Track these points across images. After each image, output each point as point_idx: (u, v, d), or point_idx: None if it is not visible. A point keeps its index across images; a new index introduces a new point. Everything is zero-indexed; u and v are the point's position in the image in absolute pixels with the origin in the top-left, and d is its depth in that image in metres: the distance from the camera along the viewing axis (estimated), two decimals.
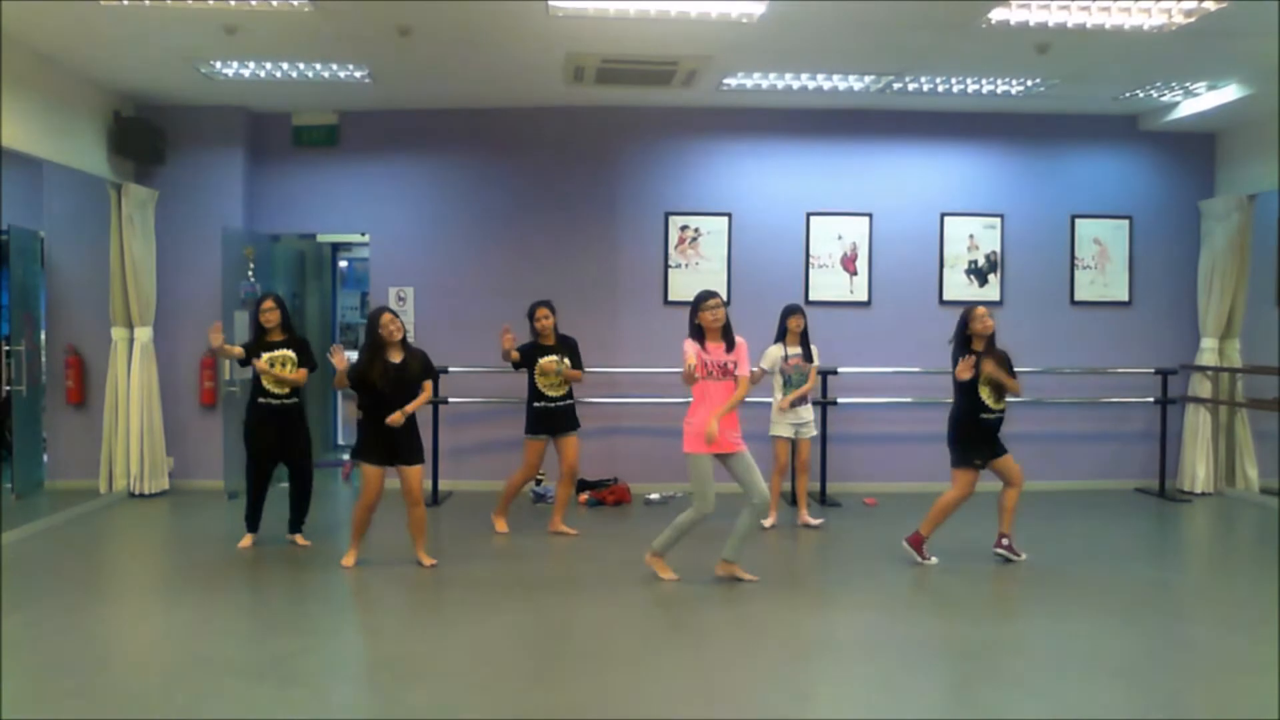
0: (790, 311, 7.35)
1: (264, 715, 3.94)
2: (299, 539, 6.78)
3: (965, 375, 6.05)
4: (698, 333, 5.70)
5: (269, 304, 6.66)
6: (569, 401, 7.07)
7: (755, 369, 6.77)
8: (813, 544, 7.02)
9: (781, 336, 7.34)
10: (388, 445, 6.04)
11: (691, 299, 5.82)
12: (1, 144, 6.25)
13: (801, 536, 7.18)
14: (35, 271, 8.39)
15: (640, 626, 5.18)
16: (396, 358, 6.05)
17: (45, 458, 8.58)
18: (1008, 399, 6.24)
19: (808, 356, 7.33)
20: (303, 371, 6.63)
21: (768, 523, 7.26)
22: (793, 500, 7.78)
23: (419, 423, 6.26)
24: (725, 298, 8.48)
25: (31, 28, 6.54)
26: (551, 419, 7.01)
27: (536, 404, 7.01)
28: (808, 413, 7.41)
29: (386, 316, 6.05)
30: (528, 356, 6.99)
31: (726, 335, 5.72)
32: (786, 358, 7.27)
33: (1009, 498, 6.38)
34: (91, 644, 4.86)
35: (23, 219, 8.19)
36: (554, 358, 6.97)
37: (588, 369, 8.25)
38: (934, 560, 6.28)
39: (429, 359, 6.27)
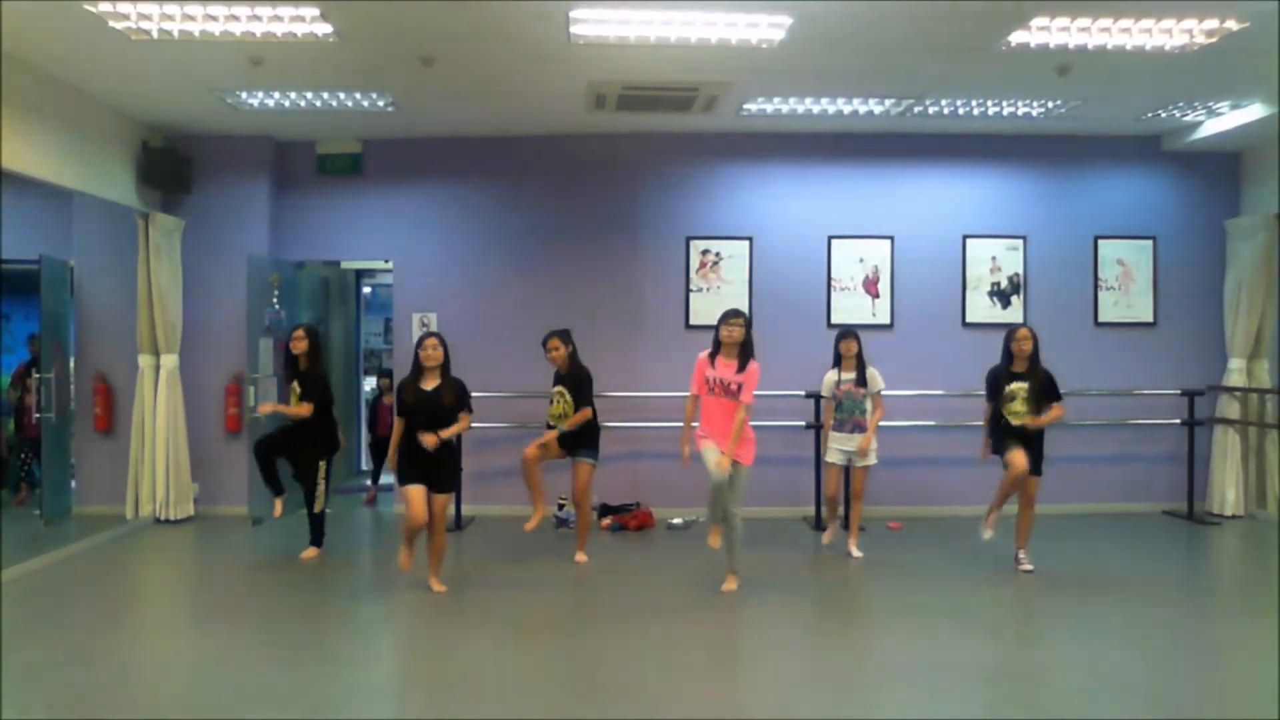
0: (840, 336, 7.23)
1: None
2: (308, 553, 7.17)
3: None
4: (715, 346, 6.03)
5: (299, 333, 7.09)
6: (575, 430, 6.93)
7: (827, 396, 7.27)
8: (842, 569, 6.97)
9: (837, 362, 7.22)
10: (423, 469, 6.06)
11: (715, 322, 6.13)
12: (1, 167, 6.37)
13: (840, 565, 7.12)
14: (65, 300, 8.50)
15: (666, 651, 5.15)
16: (431, 384, 6.09)
17: (73, 484, 8.67)
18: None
19: (861, 381, 7.10)
20: (305, 406, 6.97)
21: (826, 538, 7.38)
22: (845, 525, 7.66)
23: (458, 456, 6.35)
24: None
25: (63, 61, 6.68)
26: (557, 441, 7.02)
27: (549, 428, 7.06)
28: (865, 441, 7.12)
29: (429, 342, 6.12)
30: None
31: (743, 354, 5.97)
32: (839, 383, 7.15)
33: (1022, 518, 6.73)
34: (118, 670, 4.89)
35: (53, 248, 8.32)
36: (558, 389, 6.96)
37: (610, 393, 8.33)
38: (1028, 567, 6.67)
39: (466, 389, 6.24)
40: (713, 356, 6.05)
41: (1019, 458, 6.49)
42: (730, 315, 6.05)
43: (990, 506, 6.80)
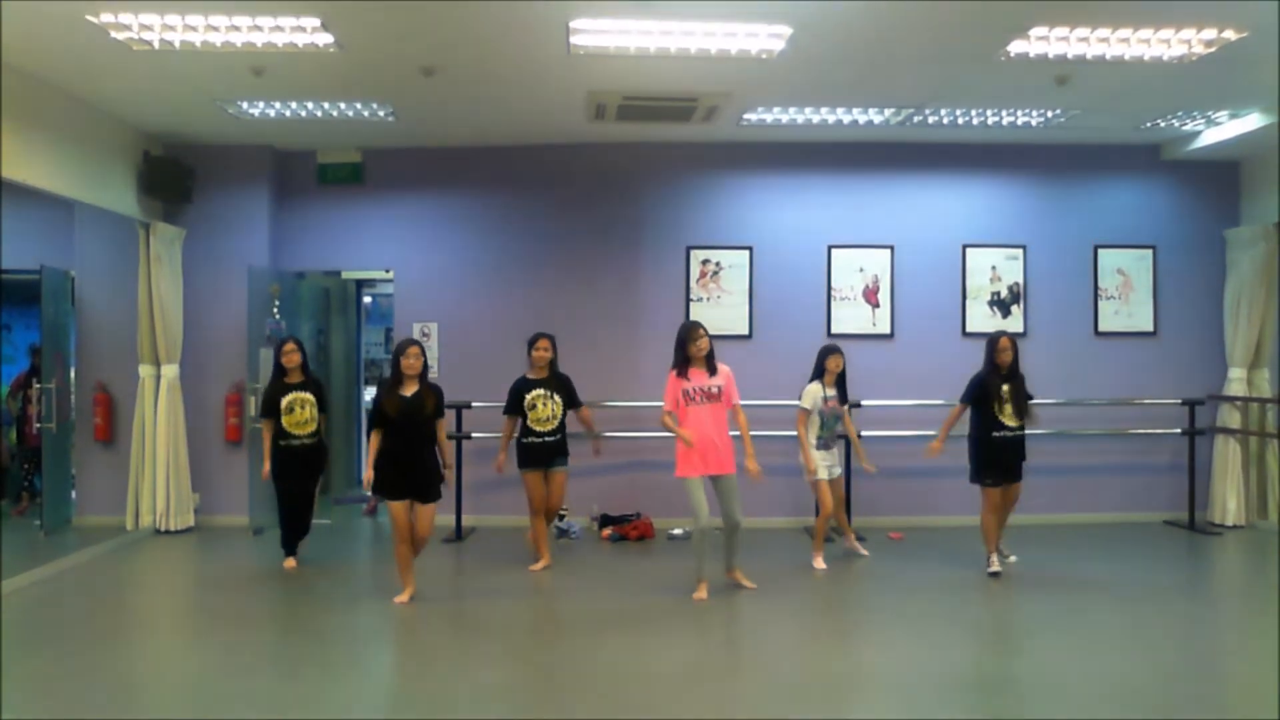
0: (829, 351, 7.24)
1: None
2: (289, 562, 7.18)
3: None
4: (684, 361, 6.23)
5: (290, 346, 7.12)
6: (559, 436, 7.04)
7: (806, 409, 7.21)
8: (840, 578, 6.96)
9: (819, 376, 7.21)
10: (407, 481, 6.04)
11: (678, 338, 6.40)
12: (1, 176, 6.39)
13: (842, 574, 7.11)
14: (66, 310, 8.51)
15: (662, 658, 5.14)
16: (410, 390, 6.07)
17: (74, 494, 8.66)
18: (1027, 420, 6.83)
19: (843, 399, 7.22)
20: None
21: (818, 565, 7.11)
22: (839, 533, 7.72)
23: (440, 463, 6.27)
24: (747, 330, 8.69)
25: (64, 71, 6.70)
26: (541, 453, 7.03)
27: (525, 439, 7.02)
28: (835, 454, 7.33)
29: (412, 350, 6.09)
30: (514, 393, 7.07)
31: (709, 362, 6.26)
32: (825, 398, 7.14)
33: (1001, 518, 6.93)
34: (118, 681, 4.87)
35: (54, 258, 8.33)
36: (541, 392, 6.98)
37: (610, 403, 8.36)
38: (1013, 559, 6.99)
39: (442, 394, 6.24)
40: (683, 371, 6.24)
41: (994, 497, 6.80)
42: (694, 328, 6.29)
43: (987, 548, 6.90)
